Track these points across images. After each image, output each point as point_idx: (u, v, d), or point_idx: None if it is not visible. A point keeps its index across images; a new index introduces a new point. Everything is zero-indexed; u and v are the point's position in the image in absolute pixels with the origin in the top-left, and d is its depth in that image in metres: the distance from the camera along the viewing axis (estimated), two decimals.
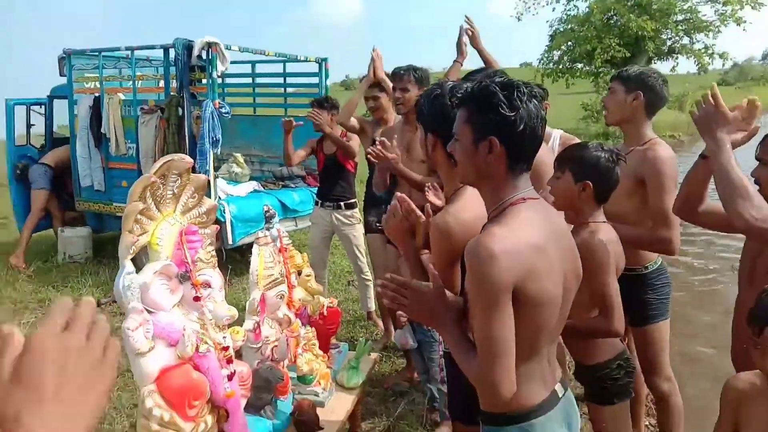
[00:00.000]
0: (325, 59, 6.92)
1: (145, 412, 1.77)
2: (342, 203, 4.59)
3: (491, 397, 1.51)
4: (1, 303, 5.52)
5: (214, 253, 1.99)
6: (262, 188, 6.76)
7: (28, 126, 7.45)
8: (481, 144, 1.51)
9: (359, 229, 4.64)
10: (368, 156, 3.47)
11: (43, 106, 7.33)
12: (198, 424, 1.87)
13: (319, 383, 2.72)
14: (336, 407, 2.70)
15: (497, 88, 1.47)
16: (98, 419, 0.62)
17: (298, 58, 7.02)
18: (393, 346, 4.35)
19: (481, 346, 1.46)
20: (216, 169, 6.73)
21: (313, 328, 2.85)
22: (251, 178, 7.02)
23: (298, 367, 2.66)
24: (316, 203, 4.76)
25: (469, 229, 1.73)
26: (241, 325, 2.29)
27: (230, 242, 5.77)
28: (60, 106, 7.14)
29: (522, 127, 1.47)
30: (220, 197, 5.94)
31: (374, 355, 3.33)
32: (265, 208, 3.02)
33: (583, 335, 2.21)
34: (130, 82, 6.35)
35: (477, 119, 1.52)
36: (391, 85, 3.90)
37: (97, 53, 6.49)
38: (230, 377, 1.94)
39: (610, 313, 2.08)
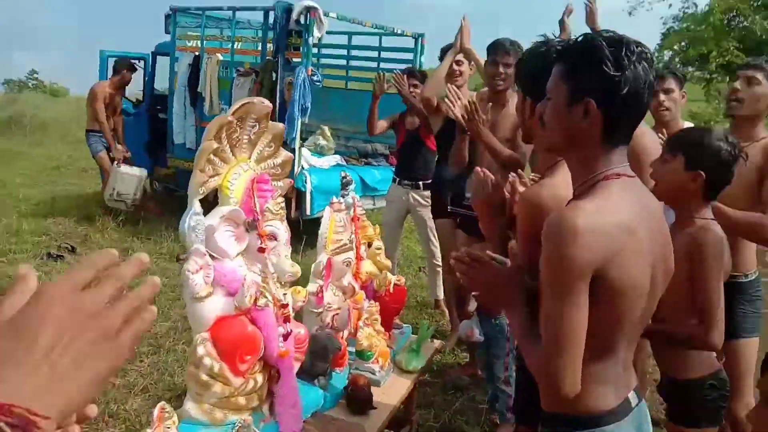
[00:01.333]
0: (421, 35, 6.77)
1: (196, 360, 1.71)
2: (420, 183, 4.43)
3: (551, 393, 1.34)
4: (89, 248, 5.79)
5: (283, 205, 1.90)
6: (345, 163, 6.72)
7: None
8: (576, 106, 1.32)
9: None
10: (452, 111, 3.24)
11: (141, 61, 7.59)
12: (248, 381, 1.79)
13: (378, 361, 2.60)
14: (392, 389, 2.58)
15: (603, 43, 1.27)
16: (88, 400, 0.52)
17: (395, 31, 6.90)
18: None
19: (546, 335, 1.29)
20: (303, 140, 6.77)
21: (378, 304, 2.73)
22: (336, 152, 7.00)
23: (358, 340, 2.55)
24: (394, 180, 4.61)
25: (564, 206, 1.54)
26: (305, 287, 2.19)
27: (308, 213, 5.76)
28: (163, 63, 7.38)
29: (626, 91, 1.26)
30: (303, 167, 5.95)
31: (437, 343, 3.18)
32: (342, 174, 2.92)
33: (675, 343, 1.97)
34: (230, 44, 6.44)
35: (574, 77, 1.33)
36: (478, 57, 3.70)
37: (200, 12, 6.63)
38: (286, 337, 1.84)
39: (710, 321, 1.82)
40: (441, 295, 4.67)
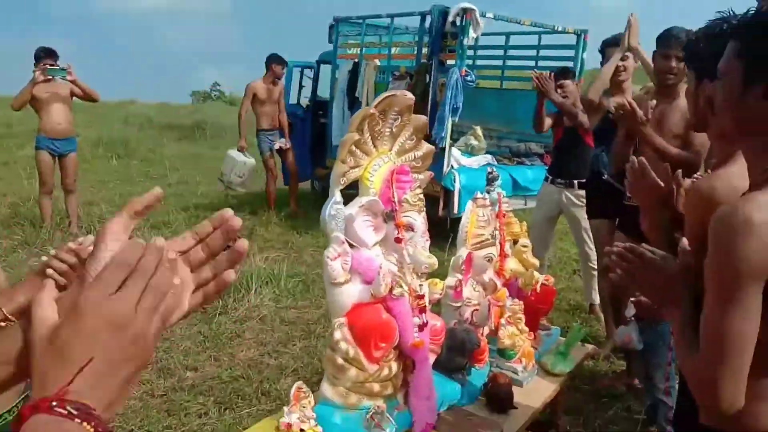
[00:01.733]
0: (584, 31, 6.46)
1: (333, 343, 1.78)
2: (575, 182, 4.20)
3: (708, 405, 1.20)
4: (254, 240, 6.30)
5: (421, 197, 1.90)
6: (496, 162, 6.62)
7: (300, 87, 8.35)
8: (754, 87, 1.16)
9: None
10: (613, 108, 3.04)
11: (311, 70, 8.12)
12: (382, 368, 1.82)
13: (521, 361, 2.52)
14: (535, 391, 2.48)
15: None
16: (123, 400, 0.55)
17: (555, 28, 6.64)
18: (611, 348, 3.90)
19: (707, 340, 1.15)
20: (454, 140, 6.78)
21: (521, 303, 2.63)
22: (487, 152, 6.91)
23: (500, 338, 2.48)
24: (546, 179, 4.43)
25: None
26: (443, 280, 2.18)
27: (455, 211, 5.75)
28: (326, 71, 7.83)
29: None
30: (452, 166, 5.95)
31: (589, 347, 3.00)
32: (489, 170, 2.88)
33: None
34: (387, 50, 6.64)
35: (753, 54, 1.17)
36: (645, 56, 3.43)
37: (361, 20, 6.91)
38: (421, 327, 1.85)
39: None
40: (597, 300, 4.41)
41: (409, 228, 1.85)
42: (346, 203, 1.80)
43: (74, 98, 6.09)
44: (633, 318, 2.93)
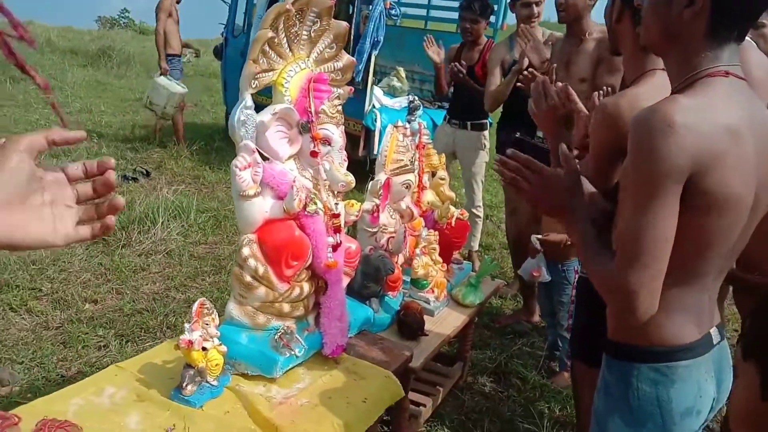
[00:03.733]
0: None
1: (241, 260, 1.67)
2: (468, 123, 4.10)
3: (622, 315, 1.19)
4: (162, 173, 5.96)
5: (340, 109, 1.78)
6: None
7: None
8: None
9: (482, 156, 4.17)
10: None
11: None
12: (293, 288, 1.73)
13: (433, 291, 2.51)
14: (445, 320, 2.49)
15: None
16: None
17: None
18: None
19: (623, 243, 1.12)
20: (378, 81, 6.61)
21: (437, 233, 2.61)
22: (409, 95, 6.81)
23: (414, 268, 2.45)
24: (444, 119, 4.30)
25: None
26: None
27: (376, 152, 5.65)
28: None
29: None
30: (374, 106, 5.83)
31: (498, 282, 3.05)
32: (411, 98, 2.79)
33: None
34: None
35: None
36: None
37: None
38: (335, 247, 1.76)
39: None
40: (476, 246, 4.39)
41: (326, 141, 1.74)
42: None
43: None
44: (541, 251, 2.98)
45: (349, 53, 5.12)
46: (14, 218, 0.61)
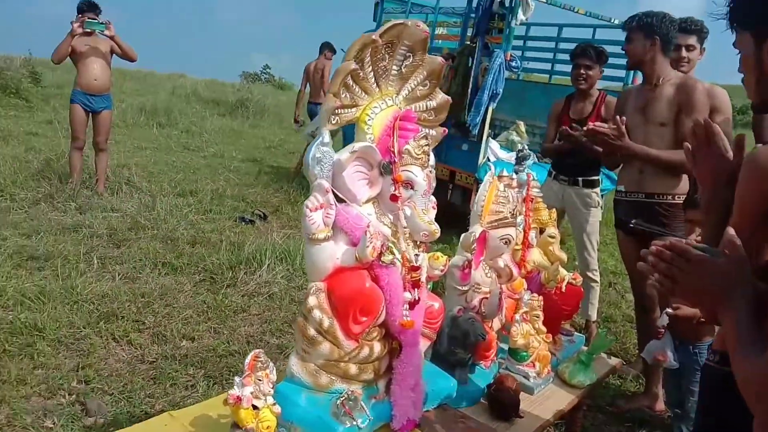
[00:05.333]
0: None
1: (306, 310, 1.50)
2: (580, 179, 3.80)
3: None
4: (278, 217, 6.11)
5: (427, 149, 1.59)
6: (537, 160, 6.23)
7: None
8: None
9: (596, 215, 3.82)
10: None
11: None
12: (361, 347, 1.53)
13: (534, 365, 2.19)
14: (547, 401, 2.15)
15: None
16: None
17: (612, 21, 6.18)
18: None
19: None
20: (495, 135, 6.41)
21: (542, 299, 2.30)
22: (523, 148, 6.52)
23: (512, 336, 2.16)
24: (549, 174, 4.01)
25: None
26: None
27: None
28: None
29: None
30: (488, 159, 5.61)
31: (615, 360, 2.64)
32: (519, 147, 2.56)
33: None
34: (432, 30, 6.35)
35: None
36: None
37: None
38: (412, 305, 1.55)
39: None
40: (594, 316, 3.98)
41: (409, 185, 1.55)
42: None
43: (113, 55, 6.04)
44: (666, 330, 2.56)
45: (466, 106, 5.04)
46: None
